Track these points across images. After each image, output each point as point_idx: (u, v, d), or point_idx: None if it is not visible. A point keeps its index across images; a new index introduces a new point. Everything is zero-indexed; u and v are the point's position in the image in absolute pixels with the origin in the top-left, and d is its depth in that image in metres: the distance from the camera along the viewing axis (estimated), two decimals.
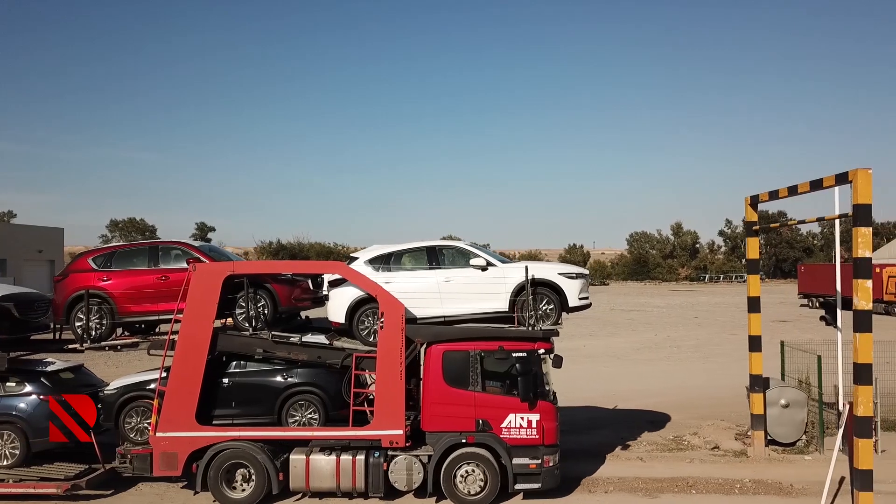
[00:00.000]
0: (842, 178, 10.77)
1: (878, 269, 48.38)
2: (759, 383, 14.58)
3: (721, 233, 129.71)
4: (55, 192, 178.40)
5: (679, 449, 14.78)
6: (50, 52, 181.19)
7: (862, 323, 10.48)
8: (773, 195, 13.35)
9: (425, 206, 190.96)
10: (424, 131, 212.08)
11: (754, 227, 14.64)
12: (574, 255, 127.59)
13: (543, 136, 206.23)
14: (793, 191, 12.50)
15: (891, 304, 46.64)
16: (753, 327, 14.73)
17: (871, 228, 10.49)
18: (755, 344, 14.68)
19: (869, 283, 10.50)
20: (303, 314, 14.31)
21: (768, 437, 14.45)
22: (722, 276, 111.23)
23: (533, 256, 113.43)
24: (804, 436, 14.79)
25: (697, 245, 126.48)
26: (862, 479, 10.59)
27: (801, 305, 55.62)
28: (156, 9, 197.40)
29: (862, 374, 10.58)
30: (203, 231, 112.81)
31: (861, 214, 10.48)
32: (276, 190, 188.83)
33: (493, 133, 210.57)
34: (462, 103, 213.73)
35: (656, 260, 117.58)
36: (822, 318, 14.57)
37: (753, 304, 14.82)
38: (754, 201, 14.30)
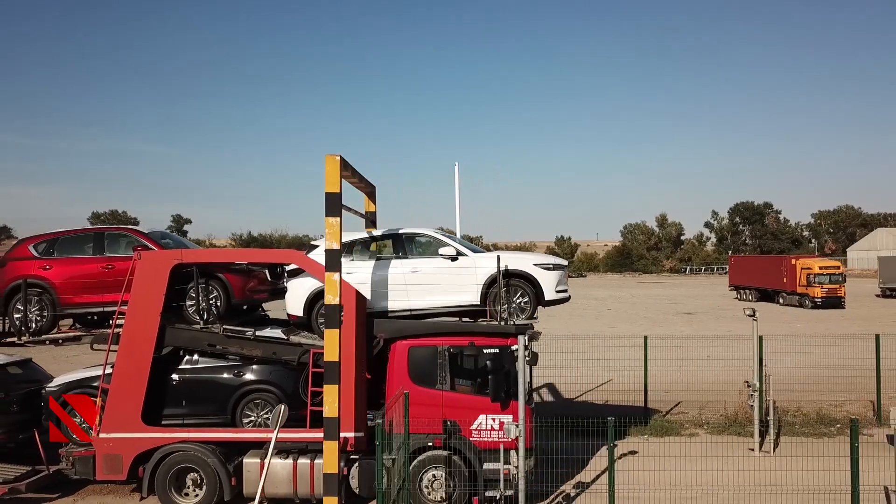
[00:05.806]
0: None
1: (793, 261, 48.29)
2: None
3: (707, 224, 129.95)
4: (48, 185, 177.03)
5: None
6: (47, 50, 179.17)
7: (330, 319, 9.93)
8: None
9: (422, 199, 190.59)
10: (419, 126, 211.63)
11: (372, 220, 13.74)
12: (562, 247, 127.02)
13: (541, 129, 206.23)
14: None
15: (803, 297, 46.25)
16: None
17: (339, 218, 9.98)
18: None
19: (336, 276, 9.93)
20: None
21: None
22: (703, 268, 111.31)
23: (524, 249, 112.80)
24: None
25: (683, 237, 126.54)
26: (328, 484, 10.03)
27: (735, 298, 54.95)
28: (153, 6, 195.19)
29: (329, 372, 9.99)
30: (179, 223, 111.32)
31: (330, 203, 9.93)
32: (275, 185, 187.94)
33: (489, 126, 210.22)
34: (457, 98, 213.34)
35: (640, 251, 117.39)
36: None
37: None
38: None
